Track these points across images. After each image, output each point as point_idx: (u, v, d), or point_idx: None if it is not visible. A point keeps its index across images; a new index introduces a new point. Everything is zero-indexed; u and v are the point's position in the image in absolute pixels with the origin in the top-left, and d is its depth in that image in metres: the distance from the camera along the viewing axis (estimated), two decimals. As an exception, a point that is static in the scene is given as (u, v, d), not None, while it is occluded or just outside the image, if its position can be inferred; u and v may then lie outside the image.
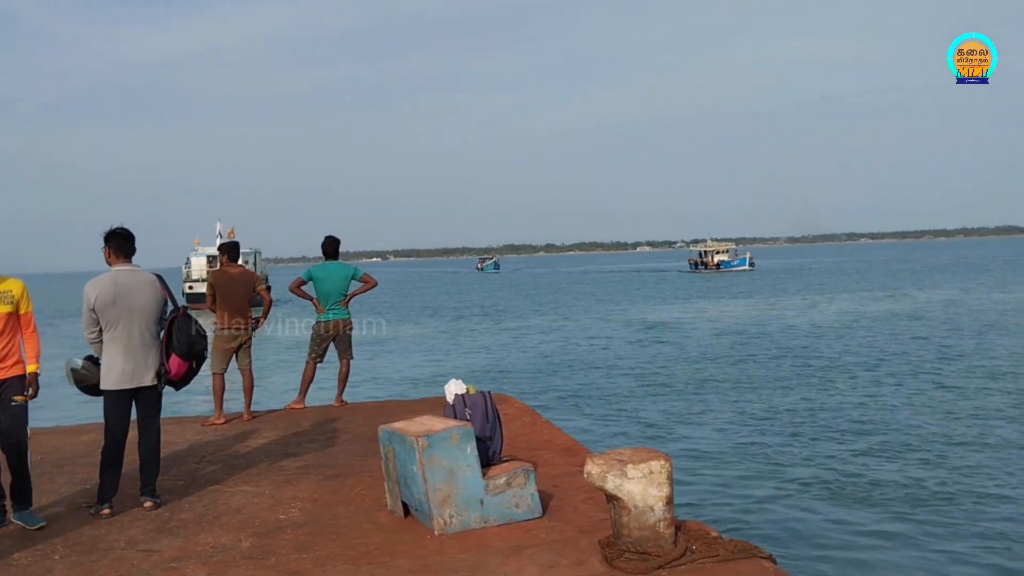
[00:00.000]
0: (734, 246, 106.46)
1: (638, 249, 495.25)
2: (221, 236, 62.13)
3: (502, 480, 5.04)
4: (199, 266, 60.33)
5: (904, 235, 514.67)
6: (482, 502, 4.98)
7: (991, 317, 33.45)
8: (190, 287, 58.83)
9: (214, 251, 60.43)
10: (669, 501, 4.17)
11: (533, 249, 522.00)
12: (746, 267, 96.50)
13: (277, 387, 21.51)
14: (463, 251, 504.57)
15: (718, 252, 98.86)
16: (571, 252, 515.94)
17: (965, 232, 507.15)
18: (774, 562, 4.22)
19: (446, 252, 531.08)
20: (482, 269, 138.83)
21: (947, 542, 8.98)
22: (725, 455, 12.82)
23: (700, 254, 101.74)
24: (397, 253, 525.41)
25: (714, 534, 4.47)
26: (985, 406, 15.97)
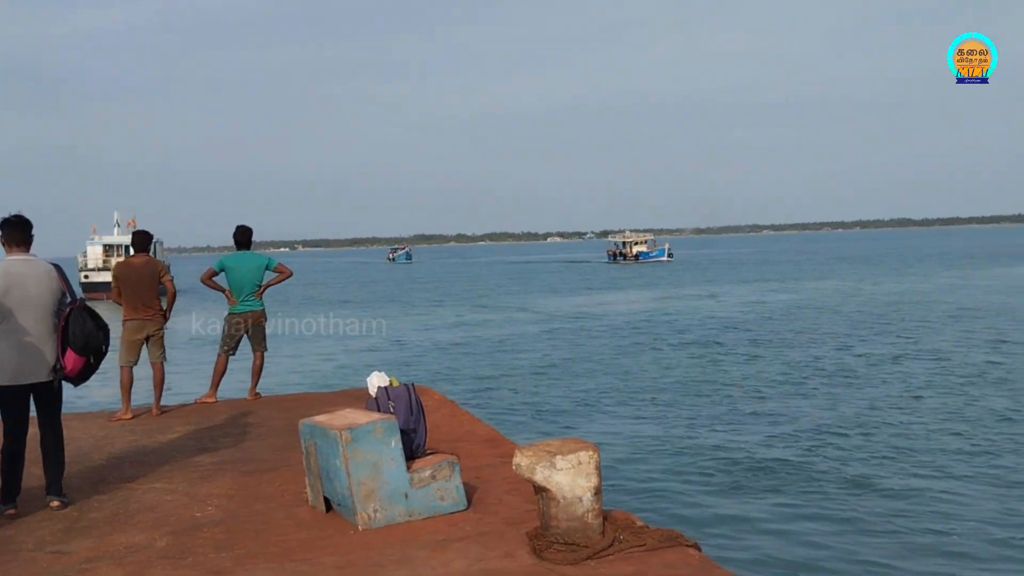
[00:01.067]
0: (652, 237, 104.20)
1: (548, 240, 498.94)
2: (119, 226, 61.39)
3: (427, 473, 4.99)
4: (95, 255, 59.33)
5: (804, 227, 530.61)
6: (407, 496, 4.92)
7: (896, 303, 34.75)
8: (86, 276, 57.79)
9: (112, 240, 59.79)
10: (597, 491, 4.19)
11: (444, 239, 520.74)
12: (665, 258, 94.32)
13: (187, 381, 20.95)
14: (372, 241, 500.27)
15: (636, 243, 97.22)
16: (482, 242, 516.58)
17: (862, 224, 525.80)
18: (699, 550, 4.29)
19: (355, 242, 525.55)
20: (394, 260, 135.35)
21: (865, 523, 9.27)
22: (646, 443, 12.96)
23: (619, 245, 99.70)
24: (306, 243, 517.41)
25: (640, 523, 4.51)
26: (889, 392, 16.58)
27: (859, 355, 21.60)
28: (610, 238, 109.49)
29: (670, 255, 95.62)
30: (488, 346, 26.61)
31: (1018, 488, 10.34)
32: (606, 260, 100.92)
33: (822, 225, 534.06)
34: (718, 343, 25.08)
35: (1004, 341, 22.94)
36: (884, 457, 11.86)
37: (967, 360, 20.03)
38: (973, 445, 12.35)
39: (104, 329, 5.72)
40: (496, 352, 25.07)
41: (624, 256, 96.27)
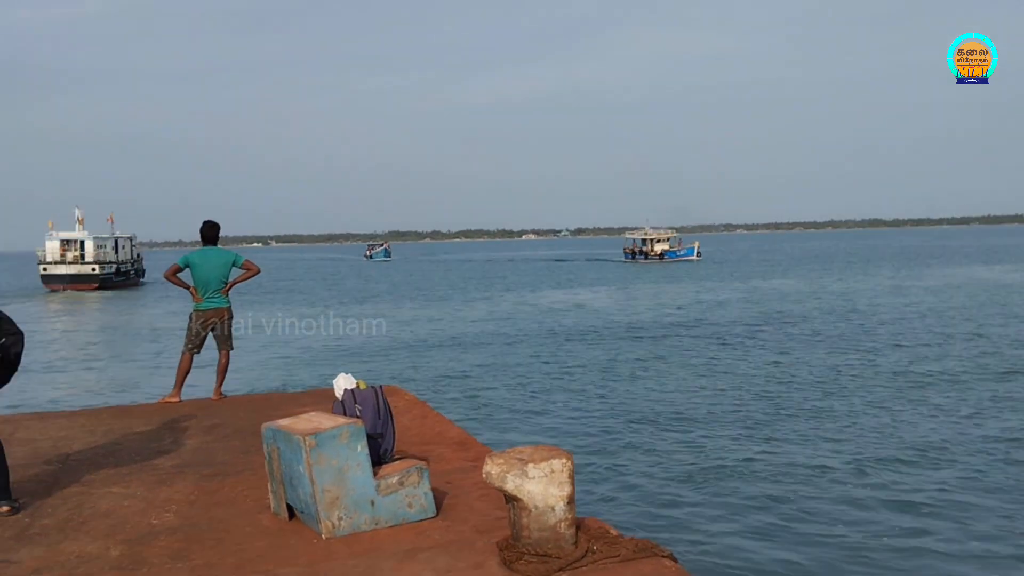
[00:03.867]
0: (675, 234, 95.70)
1: (523, 237, 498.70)
2: (81, 223, 63.34)
3: (394, 479, 4.81)
4: (53, 250, 62.51)
5: (777, 226, 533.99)
6: (373, 503, 4.74)
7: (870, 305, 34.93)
8: (44, 269, 61.87)
9: (70, 235, 63.14)
10: (570, 500, 4.03)
11: (419, 236, 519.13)
12: (694, 257, 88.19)
13: (150, 380, 20.63)
14: (347, 237, 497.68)
15: (658, 240, 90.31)
16: (457, 239, 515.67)
17: (833, 224, 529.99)
18: (675, 560, 4.14)
19: (330, 238, 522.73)
20: (371, 256, 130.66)
21: (838, 529, 9.21)
22: (620, 450, 12.81)
23: (640, 242, 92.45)
24: (279, 238, 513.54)
25: (614, 533, 4.35)
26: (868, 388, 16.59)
27: (830, 358, 21.63)
28: (627, 235, 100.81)
29: (699, 254, 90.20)
30: (436, 344, 26.44)
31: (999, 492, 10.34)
32: (623, 259, 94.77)
33: (794, 224, 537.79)
34: (711, 342, 25.06)
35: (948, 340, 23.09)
36: (855, 460, 11.83)
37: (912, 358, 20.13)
38: (942, 454, 12.35)
39: (16, 335, 5.44)
40: (488, 352, 24.89)
41: (645, 255, 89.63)
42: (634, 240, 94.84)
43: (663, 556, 4.11)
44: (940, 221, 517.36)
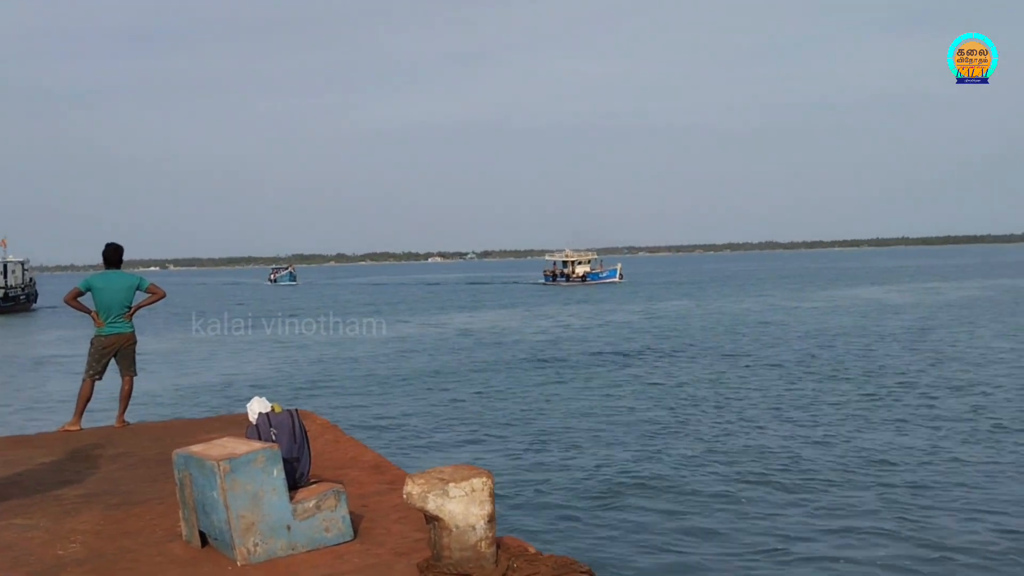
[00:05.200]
0: (596, 256, 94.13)
1: (429, 259, 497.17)
2: None
3: (311, 503, 4.77)
4: None
5: (678, 248, 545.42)
6: (289, 528, 4.69)
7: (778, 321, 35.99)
8: None
9: None
10: (491, 519, 4.08)
11: (323, 259, 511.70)
12: (616, 279, 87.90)
13: (51, 408, 19.83)
14: (249, 260, 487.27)
15: (579, 263, 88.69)
16: (363, 262, 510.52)
17: (732, 247, 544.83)
18: (593, 575, 4.22)
19: (231, 262, 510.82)
20: (275, 280, 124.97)
21: (753, 536, 9.46)
22: (535, 469, 12.89)
23: (561, 264, 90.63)
24: (178, 262, 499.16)
25: (533, 551, 4.41)
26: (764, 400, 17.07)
27: (736, 368, 22.21)
28: (547, 257, 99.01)
29: (622, 276, 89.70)
30: (343, 367, 26.21)
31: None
32: (542, 281, 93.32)
33: (695, 247, 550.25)
34: (623, 361, 25.39)
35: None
36: (763, 470, 12.18)
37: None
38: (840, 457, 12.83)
39: None
40: (360, 371, 24.69)
41: (567, 277, 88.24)
42: (555, 262, 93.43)
43: (582, 572, 4.18)
44: (832, 243, 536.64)
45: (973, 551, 8.83)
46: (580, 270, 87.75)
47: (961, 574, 8.37)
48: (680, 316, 43.34)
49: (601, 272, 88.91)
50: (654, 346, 29.54)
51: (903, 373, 21.24)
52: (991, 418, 15.35)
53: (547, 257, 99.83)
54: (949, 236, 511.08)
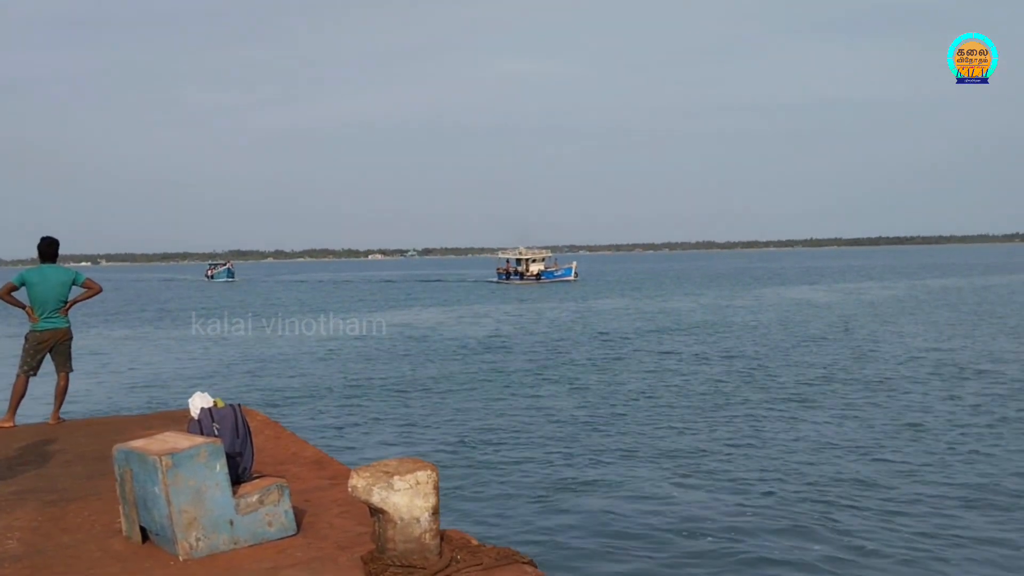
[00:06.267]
0: (550, 254, 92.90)
1: (370, 257, 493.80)
2: None
3: (254, 498, 4.78)
4: None
5: (618, 247, 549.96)
6: (232, 522, 4.69)
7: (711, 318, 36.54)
8: None
9: None
10: (435, 511, 4.14)
11: (261, 255, 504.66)
12: (571, 277, 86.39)
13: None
14: (184, 256, 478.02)
15: (533, 260, 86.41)
16: (302, 259, 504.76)
17: (670, 246, 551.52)
18: (535, 567, 4.31)
19: (166, 257, 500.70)
20: (212, 277, 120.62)
21: (696, 531, 9.65)
22: (476, 464, 12.95)
23: (514, 262, 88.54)
24: (110, 257, 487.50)
25: (475, 543, 4.49)
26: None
27: (702, 374, 22.55)
28: (500, 255, 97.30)
29: (576, 274, 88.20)
30: (319, 362, 26.00)
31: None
32: (495, 279, 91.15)
33: (634, 246, 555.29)
34: (553, 356, 25.55)
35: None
36: (708, 469, 12.43)
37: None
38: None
39: None
40: (331, 369, 24.52)
41: (521, 275, 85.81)
42: (508, 260, 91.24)
43: (524, 563, 4.27)
44: (767, 244, 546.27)
45: (890, 553, 9.10)
46: (534, 268, 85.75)
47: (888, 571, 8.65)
48: (646, 314, 43.57)
49: (556, 270, 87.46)
50: (614, 345, 29.77)
51: (826, 368, 21.81)
52: (916, 415, 15.83)
53: (500, 255, 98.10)
54: (881, 237, 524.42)
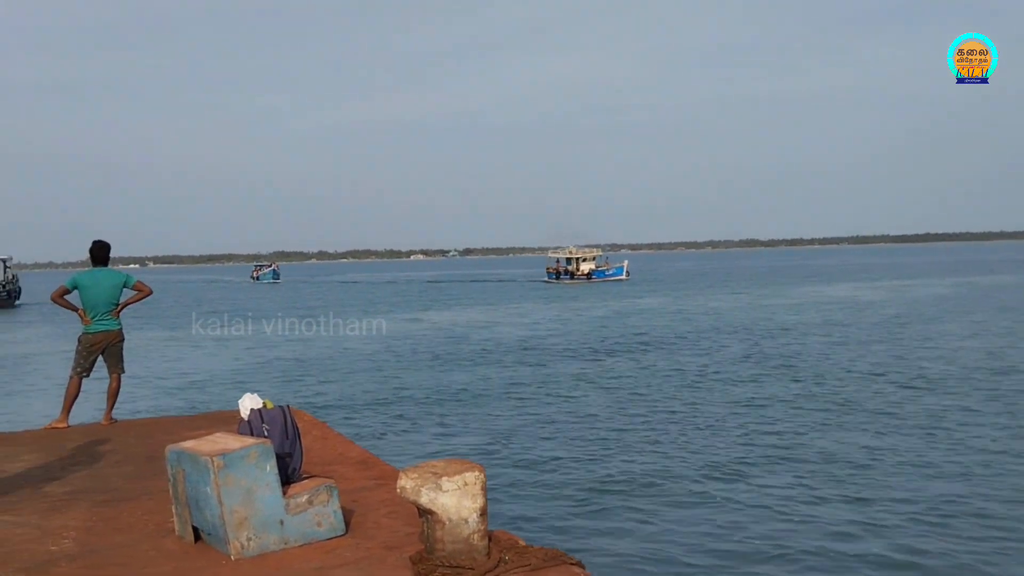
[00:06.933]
0: (601, 252, 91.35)
1: (412, 257, 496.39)
2: None
3: (303, 498, 4.82)
4: None
5: (660, 246, 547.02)
6: (282, 522, 4.74)
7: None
8: None
9: None
10: (483, 512, 4.14)
11: (304, 256, 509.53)
12: (623, 276, 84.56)
13: (37, 405, 19.71)
14: (229, 258, 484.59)
15: (584, 259, 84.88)
16: (344, 259, 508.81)
17: (713, 244, 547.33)
18: (583, 567, 4.29)
19: (211, 259, 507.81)
20: (257, 278, 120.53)
21: (742, 531, 9.57)
22: (523, 464, 12.95)
23: (564, 261, 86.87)
24: (157, 259, 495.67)
25: (523, 543, 4.48)
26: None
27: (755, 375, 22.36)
28: (549, 254, 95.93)
29: (628, 273, 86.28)
30: (367, 362, 26.20)
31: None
32: (545, 279, 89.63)
33: (676, 245, 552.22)
34: (600, 357, 25.48)
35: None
36: (755, 463, 12.31)
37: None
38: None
39: None
40: (373, 370, 24.69)
41: (571, 275, 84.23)
42: (558, 259, 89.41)
43: (572, 564, 4.25)
44: (812, 241, 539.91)
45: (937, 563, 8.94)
46: (585, 267, 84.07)
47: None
48: (709, 314, 42.93)
49: (607, 269, 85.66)
50: (673, 343, 29.60)
51: (881, 366, 21.46)
52: (963, 423, 15.48)
53: (549, 254, 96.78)
54: (929, 233, 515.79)
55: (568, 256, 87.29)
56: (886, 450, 13.18)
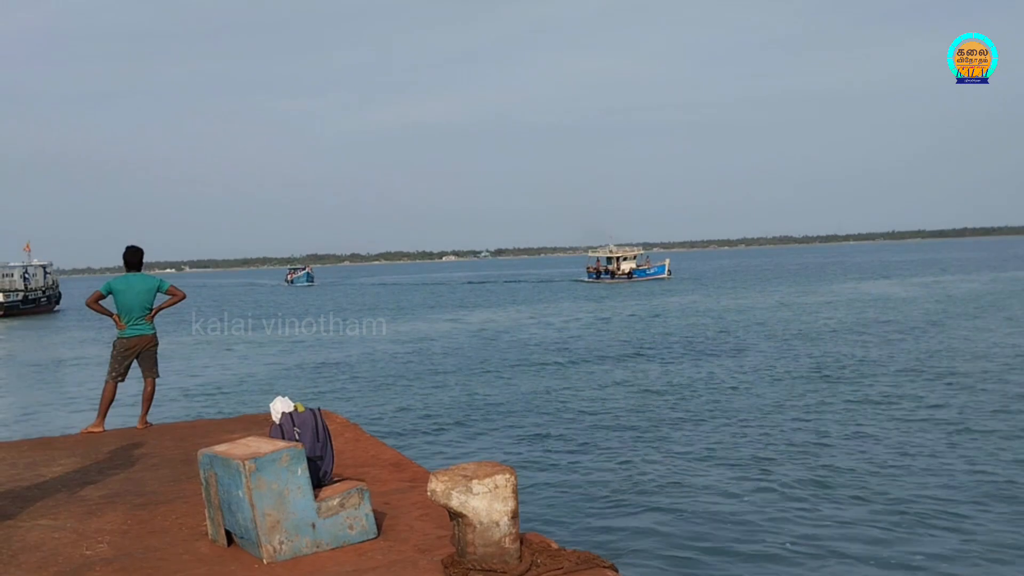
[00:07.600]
0: (641, 251, 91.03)
1: (444, 258, 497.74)
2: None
3: (335, 501, 4.81)
4: None
5: (692, 244, 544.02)
6: (314, 526, 4.73)
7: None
8: None
9: None
10: (514, 515, 4.10)
11: (338, 259, 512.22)
12: (665, 275, 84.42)
13: (73, 410, 19.98)
14: (263, 261, 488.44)
15: (624, 258, 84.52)
16: (377, 261, 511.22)
17: (746, 242, 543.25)
18: (616, 571, 4.24)
19: (246, 262, 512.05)
20: (292, 281, 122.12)
21: (777, 537, 9.46)
22: (555, 467, 12.91)
23: (605, 260, 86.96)
24: (193, 263, 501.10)
25: (555, 546, 4.44)
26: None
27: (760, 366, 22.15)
28: (590, 253, 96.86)
29: (669, 272, 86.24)
30: (399, 366, 26.29)
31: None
32: (586, 279, 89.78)
33: (709, 242, 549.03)
34: (644, 362, 25.38)
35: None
36: (793, 474, 12.17)
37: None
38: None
39: None
40: (410, 373, 24.76)
41: (612, 274, 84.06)
42: (598, 259, 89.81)
43: (605, 567, 4.20)
44: (847, 237, 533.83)
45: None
46: (626, 266, 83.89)
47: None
48: (763, 310, 42.68)
49: (648, 268, 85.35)
50: (720, 343, 29.40)
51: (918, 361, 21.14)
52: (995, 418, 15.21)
53: (590, 254, 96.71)
54: (966, 228, 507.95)
55: (608, 255, 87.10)
56: (921, 451, 13.00)
